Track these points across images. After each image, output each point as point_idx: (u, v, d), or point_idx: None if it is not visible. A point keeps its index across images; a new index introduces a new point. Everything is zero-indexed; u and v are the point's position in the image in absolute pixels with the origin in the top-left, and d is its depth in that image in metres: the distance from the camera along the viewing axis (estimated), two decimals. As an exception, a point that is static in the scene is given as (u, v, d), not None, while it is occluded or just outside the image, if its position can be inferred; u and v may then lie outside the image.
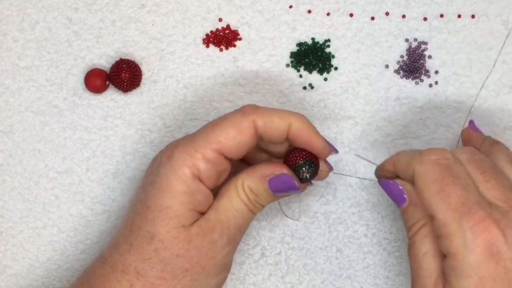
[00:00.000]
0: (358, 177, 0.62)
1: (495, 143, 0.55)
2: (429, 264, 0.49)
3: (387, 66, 0.62)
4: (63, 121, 0.63)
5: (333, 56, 0.62)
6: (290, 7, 0.62)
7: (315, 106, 0.62)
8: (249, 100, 0.62)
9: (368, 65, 0.62)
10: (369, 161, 0.61)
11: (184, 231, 0.51)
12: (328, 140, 0.55)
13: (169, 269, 0.51)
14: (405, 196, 0.52)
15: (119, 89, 0.62)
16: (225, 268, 0.54)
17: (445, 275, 0.48)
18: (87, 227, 0.63)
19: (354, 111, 0.62)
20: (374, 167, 0.56)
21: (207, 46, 0.63)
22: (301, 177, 0.54)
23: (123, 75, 0.61)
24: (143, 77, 0.63)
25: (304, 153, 0.54)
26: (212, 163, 0.52)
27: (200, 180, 0.52)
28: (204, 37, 0.63)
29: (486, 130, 0.61)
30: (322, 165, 0.55)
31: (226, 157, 0.53)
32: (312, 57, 0.62)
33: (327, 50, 0.62)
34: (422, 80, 0.62)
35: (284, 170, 0.53)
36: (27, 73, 0.63)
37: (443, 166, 0.49)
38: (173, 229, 0.51)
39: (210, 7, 0.63)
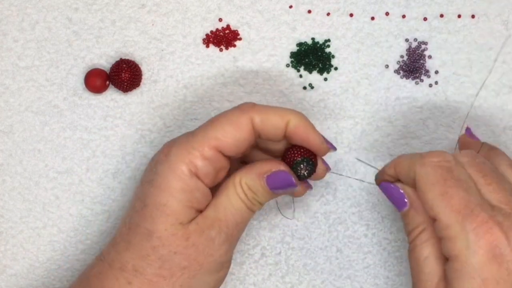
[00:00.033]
0: (358, 179, 0.62)
1: (493, 149, 0.55)
2: (431, 268, 0.49)
3: (387, 66, 0.62)
4: (63, 121, 0.63)
5: (333, 56, 0.62)
6: (290, 7, 0.62)
7: (315, 106, 0.62)
8: (249, 100, 0.62)
9: (368, 65, 0.62)
10: (370, 165, 0.61)
11: (182, 229, 0.51)
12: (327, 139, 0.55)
13: (167, 266, 0.51)
14: (406, 200, 0.52)
15: (119, 89, 0.62)
16: (224, 266, 0.54)
17: (447, 279, 0.48)
18: (87, 227, 0.63)
19: (354, 111, 0.62)
20: (374, 169, 0.56)
21: (207, 46, 0.63)
22: (298, 174, 0.54)
23: (123, 75, 0.61)
24: (143, 77, 0.63)
25: (302, 150, 0.54)
26: (209, 160, 0.52)
27: (198, 177, 0.52)
28: (204, 37, 0.63)
29: (486, 130, 0.61)
30: (320, 165, 0.55)
31: (224, 155, 0.53)
32: (312, 57, 0.62)
33: (327, 50, 0.62)
34: (422, 80, 0.62)
35: (281, 167, 0.53)
36: (27, 73, 0.63)
37: (445, 169, 0.49)
38: (171, 226, 0.51)
39: (210, 7, 0.63)
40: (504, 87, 0.61)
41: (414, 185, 0.50)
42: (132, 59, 0.62)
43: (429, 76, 0.62)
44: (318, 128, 0.54)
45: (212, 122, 0.53)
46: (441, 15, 0.62)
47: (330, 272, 0.62)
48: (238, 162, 0.57)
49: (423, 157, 0.50)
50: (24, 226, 0.63)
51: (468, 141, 0.56)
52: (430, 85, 0.62)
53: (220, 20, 0.63)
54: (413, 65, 0.62)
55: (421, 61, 0.62)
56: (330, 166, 0.56)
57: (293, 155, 0.54)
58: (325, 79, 0.62)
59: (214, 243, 0.52)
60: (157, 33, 0.63)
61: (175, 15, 0.63)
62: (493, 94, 0.61)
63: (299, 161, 0.53)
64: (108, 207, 0.63)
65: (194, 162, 0.51)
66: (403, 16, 0.62)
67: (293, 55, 0.62)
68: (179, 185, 0.51)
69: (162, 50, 0.63)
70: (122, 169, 0.63)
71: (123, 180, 0.63)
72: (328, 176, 0.57)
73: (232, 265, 0.57)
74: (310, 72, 0.62)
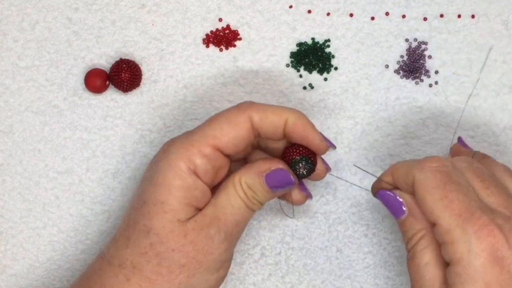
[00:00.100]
0: (356, 185, 0.61)
1: (486, 157, 0.55)
2: (432, 274, 0.49)
3: (387, 66, 0.62)
4: (63, 121, 0.63)
5: (333, 56, 0.62)
6: (290, 7, 0.62)
7: (315, 106, 0.62)
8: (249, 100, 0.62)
9: (368, 65, 0.62)
10: (368, 172, 0.61)
11: (180, 226, 0.51)
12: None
13: (165, 264, 0.51)
14: (404, 208, 0.52)
15: (119, 89, 0.62)
16: (223, 265, 0.54)
17: (448, 284, 0.48)
18: (87, 227, 0.63)
19: (354, 111, 0.62)
20: (373, 173, 0.56)
21: (207, 46, 0.63)
22: (297, 173, 0.54)
23: (123, 75, 0.61)
24: (143, 77, 0.63)
25: (301, 149, 0.54)
26: (208, 158, 0.52)
27: (197, 175, 0.52)
28: (204, 37, 0.63)
29: (486, 130, 0.61)
30: (320, 165, 0.55)
31: (223, 153, 0.53)
32: (312, 57, 0.62)
33: (327, 50, 0.62)
34: (422, 80, 0.62)
35: (280, 165, 0.53)
36: (27, 73, 0.63)
37: (444, 173, 0.49)
38: (169, 223, 0.51)
39: (210, 7, 0.63)
40: (504, 87, 0.61)
41: (411, 191, 0.50)
42: (132, 59, 0.62)
43: (429, 76, 0.62)
44: (318, 128, 0.54)
45: (210, 120, 0.53)
46: (441, 15, 0.62)
47: (330, 272, 0.62)
48: (242, 163, 0.57)
49: (422, 162, 0.50)
50: (24, 226, 0.63)
51: (461, 150, 0.56)
52: (430, 85, 0.62)
53: (220, 20, 0.63)
54: (413, 65, 0.62)
55: (421, 61, 0.62)
56: (330, 167, 0.56)
57: (291, 153, 0.54)
58: (325, 79, 0.62)
59: (213, 241, 0.52)
60: (157, 33, 0.63)
61: (175, 15, 0.63)
62: (493, 94, 0.61)
63: (297, 160, 0.54)
64: (108, 207, 0.63)
65: (192, 159, 0.52)
66: (403, 16, 0.62)
67: (293, 55, 0.62)
68: (177, 183, 0.51)
69: (162, 50, 0.63)
70: (122, 169, 0.63)
71: (123, 180, 0.63)
72: (328, 176, 0.57)
73: (232, 265, 0.57)
74: (310, 72, 0.62)
